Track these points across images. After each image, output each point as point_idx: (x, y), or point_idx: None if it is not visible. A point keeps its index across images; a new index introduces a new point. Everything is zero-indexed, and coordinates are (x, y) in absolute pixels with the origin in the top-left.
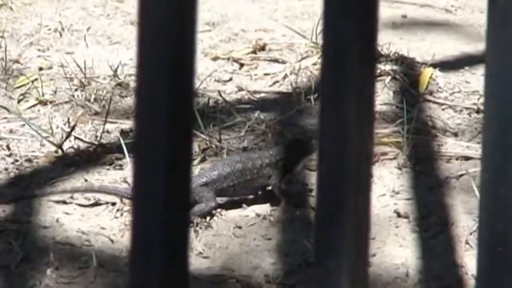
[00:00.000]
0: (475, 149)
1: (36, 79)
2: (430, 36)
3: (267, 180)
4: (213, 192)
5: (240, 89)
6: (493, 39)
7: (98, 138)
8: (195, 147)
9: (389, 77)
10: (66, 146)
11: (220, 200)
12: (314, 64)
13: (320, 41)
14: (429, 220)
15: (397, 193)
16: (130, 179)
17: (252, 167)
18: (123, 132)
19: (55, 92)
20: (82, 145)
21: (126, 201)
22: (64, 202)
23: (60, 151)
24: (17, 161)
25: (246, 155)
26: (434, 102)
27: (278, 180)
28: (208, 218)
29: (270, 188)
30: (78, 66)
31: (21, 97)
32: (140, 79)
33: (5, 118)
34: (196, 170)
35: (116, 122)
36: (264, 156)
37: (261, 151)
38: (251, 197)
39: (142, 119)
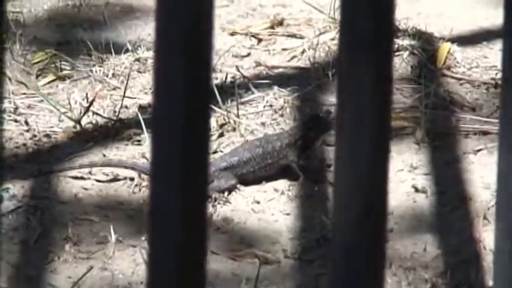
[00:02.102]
0: (492, 124)
1: (54, 54)
2: (448, 11)
3: (288, 160)
4: (234, 175)
5: (258, 64)
6: (511, 13)
7: (116, 113)
8: (213, 123)
9: (407, 52)
10: (84, 121)
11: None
12: (332, 39)
13: (338, 16)
14: (447, 195)
15: (415, 168)
16: (148, 155)
17: (272, 150)
18: (141, 108)
19: (73, 68)
20: (100, 120)
21: (144, 176)
22: (82, 178)
23: (78, 126)
24: (35, 136)
25: (265, 139)
26: (452, 77)
27: (297, 157)
28: (226, 193)
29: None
30: (97, 41)
31: (40, 72)
32: (158, 54)
33: (24, 93)
34: (214, 146)
35: (134, 98)
36: (283, 136)
37: (279, 132)
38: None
39: (161, 94)
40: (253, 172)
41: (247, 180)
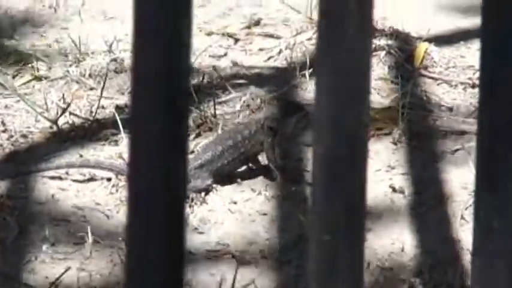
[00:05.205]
0: (470, 124)
1: (31, 55)
2: (425, 11)
3: (260, 146)
4: (209, 172)
5: (235, 64)
6: (488, 13)
7: (93, 113)
8: (190, 123)
9: (384, 52)
10: (61, 121)
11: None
12: (309, 39)
13: (315, 16)
14: (424, 195)
15: (393, 168)
16: (125, 155)
17: (242, 139)
18: (118, 108)
19: (50, 68)
20: (77, 121)
21: (122, 176)
22: (59, 178)
23: (55, 127)
24: (12, 136)
25: (233, 130)
26: (430, 77)
27: (270, 144)
28: (203, 194)
29: (264, 162)
30: (73, 41)
31: (16, 73)
32: (136, 54)
33: (0, 94)
34: (191, 146)
35: (111, 98)
36: (250, 124)
37: (246, 122)
38: (245, 168)
39: (138, 94)
40: (228, 164)
41: (223, 173)
